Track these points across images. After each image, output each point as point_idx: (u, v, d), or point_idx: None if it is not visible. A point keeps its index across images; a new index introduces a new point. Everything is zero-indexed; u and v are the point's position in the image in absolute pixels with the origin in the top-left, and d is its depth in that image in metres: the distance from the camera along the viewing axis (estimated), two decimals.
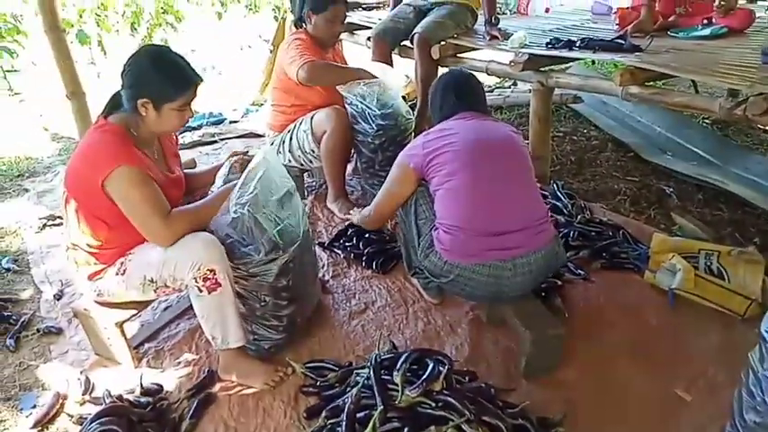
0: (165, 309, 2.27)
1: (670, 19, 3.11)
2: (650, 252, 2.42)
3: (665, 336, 2.07)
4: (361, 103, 2.78)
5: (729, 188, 3.02)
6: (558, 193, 2.91)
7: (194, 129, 4.54)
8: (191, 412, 1.73)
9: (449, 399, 1.45)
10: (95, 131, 1.77)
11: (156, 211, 1.70)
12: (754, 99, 1.95)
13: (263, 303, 1.88)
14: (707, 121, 4.06)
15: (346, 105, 2.84)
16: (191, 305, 1.84)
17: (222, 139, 4.27)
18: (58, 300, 2.39)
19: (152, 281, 1.79)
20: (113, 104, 1.81)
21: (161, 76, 1.71)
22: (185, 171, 2.11)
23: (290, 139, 2.90)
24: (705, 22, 2.98)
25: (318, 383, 1.79)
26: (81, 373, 1.96)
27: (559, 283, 2.27)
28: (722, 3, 3.02)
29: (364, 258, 2.53)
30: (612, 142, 3.78)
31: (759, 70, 2.15)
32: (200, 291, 1.73)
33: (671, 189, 3.15)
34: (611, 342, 2.03)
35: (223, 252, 1.76)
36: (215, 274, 1.72)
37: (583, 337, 2.04)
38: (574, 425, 1.67)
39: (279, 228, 1.79)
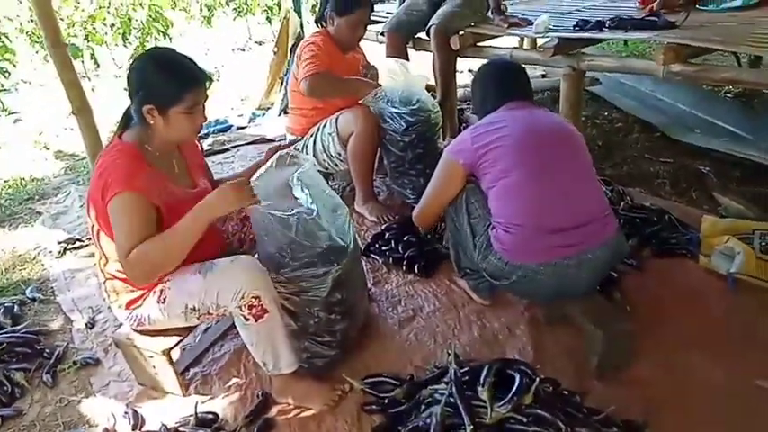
0: (206, 330, 2.16)
1: None
2: (701, 236, 2.32)
3: (731, 323, 1.98)
4: (387, 101, 2.67)
5: (766, 162, 2.93)
6: None
7: (202, 138, 4.41)
8: None
9: (539, 412, 1.35)
10: (106, 154, 1.65)
11: (128, 240, 1.53)
12: None
13: (316, 320, 1.78)
14: (729, 95, 3.97)
15: (375, 106, 2.72)
16: (233, 323, 1.73)
17: (234, 147, 4.15)
18: (90, 328, 2.27)
19: (194, 309, 1.68)
20: (126, 120, 1.69)
21: (162, 76, 1.58)
22: (222, 179, 2.00)
23: (314, 143, 2.79)
24: None
25: (384, 400, 1.68)
26: (127, 405, 1.86)
27: (615, 275, 2.17)
28: None
29: (405, 262, 2.42)
30: (638, 123, 3.68)
31: None
32: (247, 319, 1.63)
33: (707, 168, 3.05)
34: (675, 334, 1.94)
35: (267, 276, 1.65)
36: (260, 300, 1.61)
37: (646, 331, 1.94)
38: (660, 426, 1.58)
39: (334, 237, 1.69)
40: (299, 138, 2.86)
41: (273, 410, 1.77)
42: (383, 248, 2.53)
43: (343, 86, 2.72)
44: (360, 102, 2.71)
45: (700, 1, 2.93)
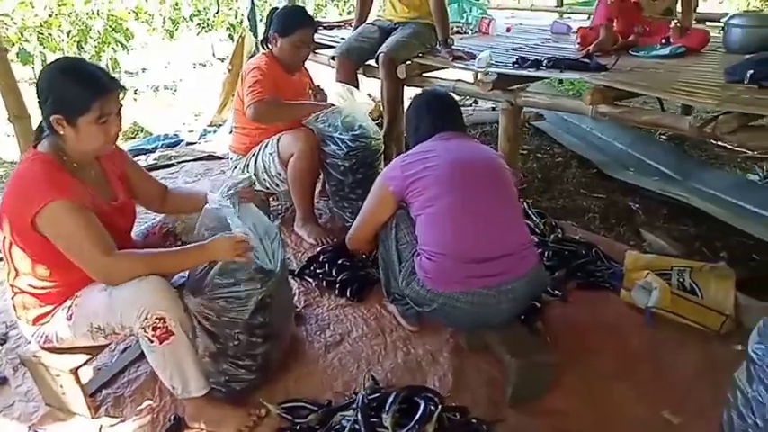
0: (124, 350, 2.09)
1: (629, 38, 3.18)
2: (625, 270, 2.41)
3: (647, 356, 2.05)
4: (328, 126, 2.70)
5: (692, 203, 3.08)
6: (529, 212, 2.89)
7: (149, 151, 4.35)
8: None
9: None
10: (24, 163, 1.60)
11: (95, 244, 1.53)
12: (724, 118, 1.98)
13: (236, 342, 1.75)
14: (663, 136, 4.17)
15: (313, 127, 2.74)
16: None
17: (179, 162, 4.09)
18: (2, 344, 2.17)
19: (99, 328, 1.63)
20: (41, 130, 1.64)
21: (69, 85, 1.53)
22: (172, 190, 1.98)
23: (255, 162, 2.79)
24: (663, 41, 3.06)
25: (298, 426, 1.66)
26: (29, 428, 1.77)
27: (539, 305, 2.22)
28: (677, 23, 3.12)
29: (337, 286, 2.42)
30: (576, 159, 3.83)
31: (724, 89, 2.20)
32: (151, 341, 1.57)
33: (636, 205, 3.19)
34: (593, 365, 1.99)
35: (175, 297, 1.61)
36: (165, 322, 1.56)
37: (565, 362, 1.98)
38: None
39: (260, 260, 1.69)
40: (242, 156, 2.85)
41: None
42: (317, 271, 2.52)
43: (289, 111, 2.73)
44: (303, 123, 2.72)
45: (632, 47, 3.10)
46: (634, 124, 2.48)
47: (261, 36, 4.65)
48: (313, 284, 2.49)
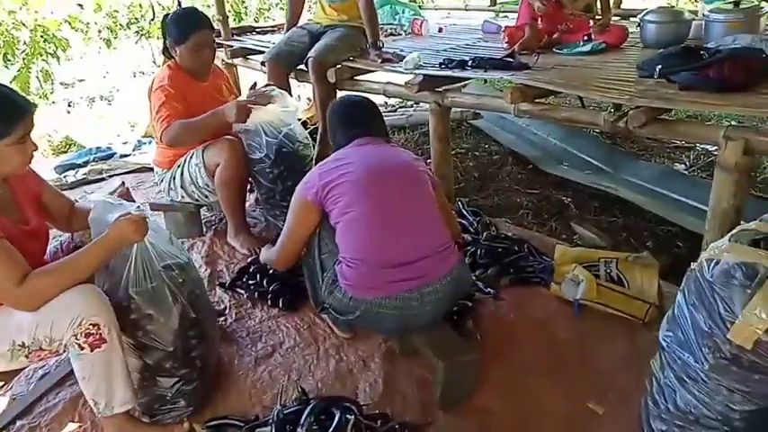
0: (42, 377, 2.00)
1: (554, 36, 3.25)
2: (554, 264, 2.46)
3: (574, 348, 2.09)
4: (255, 132, 2.64)
5: (621, 194, 3.17)
6: (464, 212, 2.92)
7: (80, 166, 4.18)
8: None
9: None
10: None
11: (7, 276, 1.47)
12: (633, 113, 2.03)
13: (170, 349, 1.70)
14: (596, 131, 4.29)
15: (240, 135, 2.69)
16: (72, 370, 1.62)
17: (111, 176, 3.95)
18: None
19: (23, 345, 1.55)
20: None
21: None
22: (76, 206, 1.90)
23: (181, 174, 2.70)
24: (585, 38, 3.14)
25: None
26: None
27: (470, 304, 2.24)
28: (598, 20, 3.21)
29: (269, 297, 2.37)
30: (512, 156, 3.89)
31: (636, 84, 2.26)
32: (82, 348, 1.52)
33: (569, 199, 3.26)
34: (523, 360, 2.02)
35: (107, 304, 1.57)
36: (99, 328, 1.52)
37: (496, 359, 2.01)
38: None
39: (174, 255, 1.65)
40: (166, 170, 2.76)
41: None
42: (249, 282, 2.47)
43: (202, 128, 2.56)
44: (232, 129, 2.66)
45: (556, 45, 3.16)
46: (555, 121, 2.52)
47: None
48: (245, 296, 2.44)
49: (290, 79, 3.45)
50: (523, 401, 1.84)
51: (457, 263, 1.87)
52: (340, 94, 3.46)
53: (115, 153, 4.46)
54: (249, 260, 2.61)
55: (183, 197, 2.75)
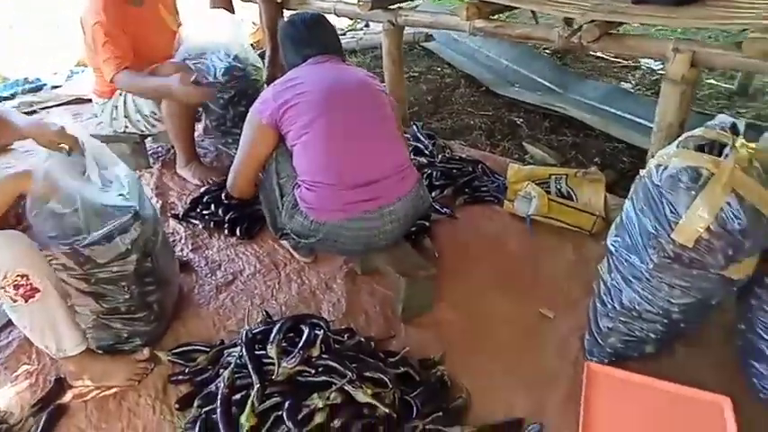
0: None
1: None
2: (507, 182, 2.52)
3: (526, 260, 2.18)
4: (203, 57, 2.51)
5: (570, 114, 3.24)
6: (419, 135, 2.91)
7: (7, 99, 3.88)
8: (39, 429, 1.50)
9: (329, 362, 1.39)
10: None
11: None
12: (587, 26, 2.03)
13: (126, 296, 1.65)
14: (547, 51, 4.29)
15: (187, 60, 2.54)
16: None
17: (43, 109, 3.69)
18: None
19: None
20: None
21: None
22: None
23: (125, 102, 2.56)
24: None
25: (188, 369, 1.64)
26: None
27: (428, 224, 2.29)
28: None
29: (226, 225, 2.34)
30: (465, 78, 3.86)
31: None
32: (15, 301, 1.46)
33: (521, 120, 3.30)
34: (478, 274, 2.10)
35: (35, 252, 1.48)
36: (28, 279, 1.45)
37: (454, 274, 2.08)
38: (452, 361, 1.71)
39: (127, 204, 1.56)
40: (107, 100, 2.60)
41: (68, 395, 1.64)
42: (203, 212, 2.42)
43: (148, 92, 2.44)
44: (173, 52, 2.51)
45: None
46: (509, 38, 2.50)
47: None
48: (200, 227, 2.40)
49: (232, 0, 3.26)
50: (480, 312, 1.93)
51: (416, 182, 1.89)
52: (287, 14, 3.30)
53: (45, 84, 4.15)
54: (202, 190, 2.55)
55: (127, 127, 2.62)
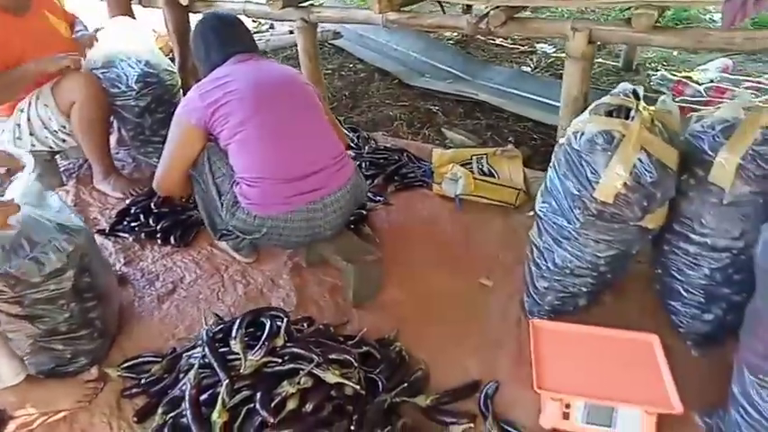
0: None
1: None
2: (433, 167, 2.63)
3: (461, 237, 2.31)
4: (110, 63, 2.40)
5: (481, 98, 3.43)
6: (342, 128, 2.95)
7: None
8: None
9: (294, 350, 1.41)
10: None
11: None
12: (494, 13, 2.18)
13: (67, 315, 1.57)
14: (450, 42, 4.49)
15: (95, 71, 2.42)
16: None
17: None
18: None
19: None
20: None
21: None
22: None
23: (28, 119, 2.39)
24: None
25: (142, 380, 1.59)
26: None
27: (365, 212, 2.35)
28: None
29: (159, 235, 2.27)
30: (378, 72, 3.96)
31: None
32: None
33: (436, 108, 3.44)
34: (419, 255, 2.19)
35: None
36: None
37: (396, 257, 2.15)
38: (407, 337, 1.78)
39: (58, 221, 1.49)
40: (6, 117, 2.41)
41: (11, 426, 1.54)
42: (132, 225, 2.33)
43: (19, 79, 2.21)
44: (79, 65, 2.37)
45: None
46: (421, 28, 2.61)
47: None
48: (130, 240, 2.31)
49: (132, 5, 3.13)
50: (425, 288, 2.02)
51: (353, 171, 1.94)
52: (193, 18, 3.23)
53: None
54: (128, 202, 2.45)
55: (34, 146, 2.44)
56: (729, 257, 1.55)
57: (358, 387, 1.38)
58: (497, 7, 2.19)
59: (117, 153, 2.88)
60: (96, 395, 1.62)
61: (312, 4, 2.81)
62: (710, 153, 1.48)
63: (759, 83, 3.32)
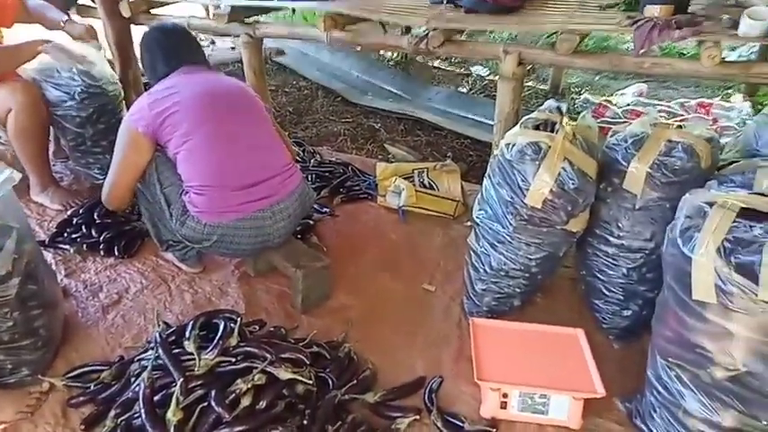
0: None
1: None
2: (377, 180, 2.75)
3: (404, 246, 2.42)
4: (52, 71, 2.37)
5: (421, 116, 3.60)
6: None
7: None
8: None
9: (247, 349, 1.46)
10: None
11: None
12: (432, 34, 2.33)
13: (9, 324, 1.54)
14: (391, 63, 4.67)
15: (35, 77, 2.38)
16: None
17: None
18: None
19: None
20: None
21: None
22: None
23: None
24: None
25: (90, 388, 1.58)
26: None
27: (312, 222, 2.42)
28: None
29: (102, 246, 2.24)
30: (322, 90, 4.07)
31: (429, 8, 2.55)
32: None
33: (379, 124, 3.58)
34: (365, 263, 2.28)
35: None
36: None
37: (343, 265, 2.23)
38: (355, 339, 1.86)
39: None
40: None
41: None
42: (73, 236, 2.29)
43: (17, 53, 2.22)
44: (17, 73, 2.33)
45: None
46: (365, 47, 2.74)
47: None
48: (71, 251, 2.26)
49: (72, 16, 3.08)
50: (371, 294, 2.11)
51: (301, 180, 2.01)
52: (135, 30, 3.22)
53: None
54: (69, 213, 2.40)
55: None
56: (643, 257, 1.74)
57: (310, 383, 1.44)
58: (435, 29, 2.35)
59: (54, 165, 2.80)
60: (40, 406, 1.59)
61: (257, 20, 2.88)
62: (624, 163, 1.67)
63: (669, 107, 3.68)
